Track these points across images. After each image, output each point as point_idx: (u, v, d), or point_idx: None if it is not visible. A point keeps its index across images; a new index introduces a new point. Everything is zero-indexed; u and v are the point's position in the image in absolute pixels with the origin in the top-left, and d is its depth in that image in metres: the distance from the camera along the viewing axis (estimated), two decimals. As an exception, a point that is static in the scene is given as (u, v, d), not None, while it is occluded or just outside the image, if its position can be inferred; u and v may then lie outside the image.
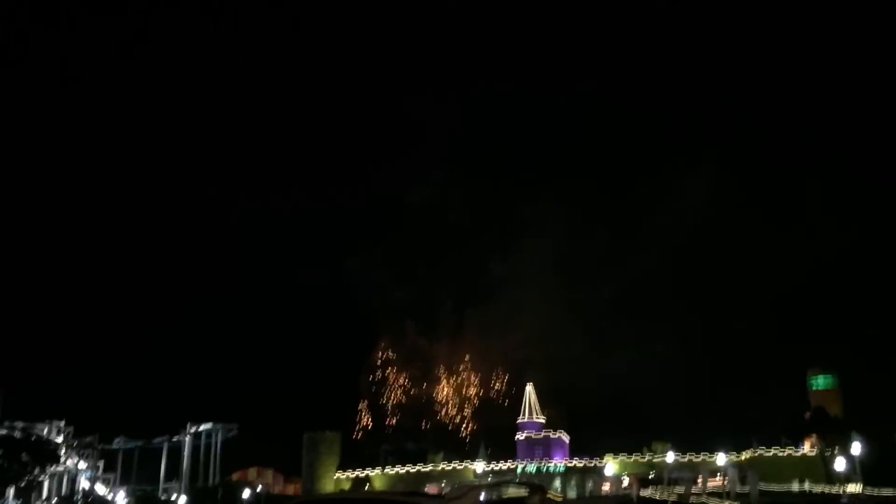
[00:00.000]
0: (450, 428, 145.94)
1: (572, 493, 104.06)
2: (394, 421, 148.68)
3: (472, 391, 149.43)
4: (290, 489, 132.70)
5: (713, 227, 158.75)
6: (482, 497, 13.25)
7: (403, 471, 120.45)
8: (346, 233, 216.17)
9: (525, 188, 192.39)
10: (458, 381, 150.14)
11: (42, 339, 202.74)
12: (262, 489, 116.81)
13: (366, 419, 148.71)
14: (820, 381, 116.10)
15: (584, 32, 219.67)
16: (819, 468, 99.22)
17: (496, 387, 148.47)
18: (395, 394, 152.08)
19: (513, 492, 17.31)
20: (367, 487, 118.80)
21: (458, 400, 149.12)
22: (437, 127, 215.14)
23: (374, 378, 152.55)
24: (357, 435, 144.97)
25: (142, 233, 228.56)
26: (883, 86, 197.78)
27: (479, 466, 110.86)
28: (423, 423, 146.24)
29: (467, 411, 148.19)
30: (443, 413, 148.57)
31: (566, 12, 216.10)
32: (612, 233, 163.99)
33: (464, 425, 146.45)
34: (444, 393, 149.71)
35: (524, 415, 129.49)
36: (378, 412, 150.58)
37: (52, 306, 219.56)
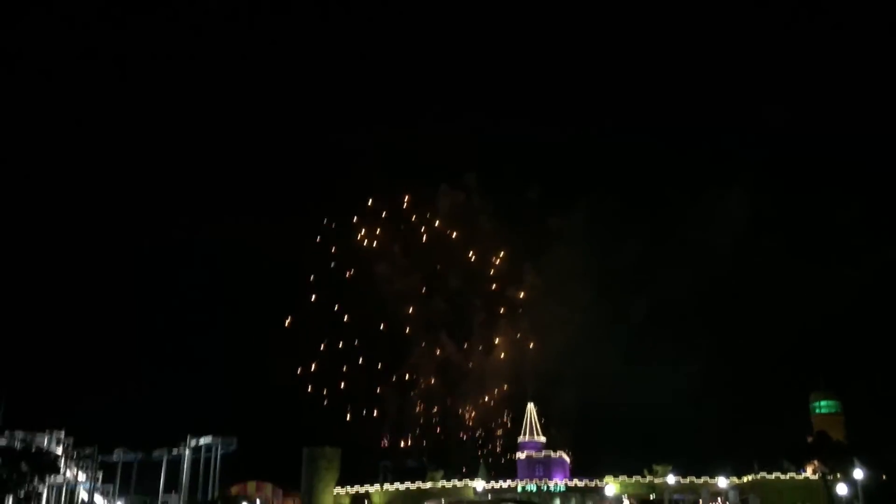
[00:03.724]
0: (463, 443, 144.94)
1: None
2: (413, 435, 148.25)
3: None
4: (289, 503, 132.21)
5: (739, 249, 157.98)
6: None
7: (403, 487, 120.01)
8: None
9: (557, 198, 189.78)
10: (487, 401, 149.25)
11: (43, 350, 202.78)
12: (260, 502, 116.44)
13: (384, 439, 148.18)
14: (823, 405, 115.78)
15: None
16: (821, 493, 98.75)
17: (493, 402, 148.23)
18: (420, 408, 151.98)
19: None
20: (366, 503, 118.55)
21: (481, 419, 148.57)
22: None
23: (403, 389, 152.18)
24: (384, 442, 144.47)
25: (142, 240, 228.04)
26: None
27: (479, 485, 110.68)
28: (423, 441, 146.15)
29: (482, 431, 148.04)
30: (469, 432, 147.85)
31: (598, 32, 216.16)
32: (643, 249, 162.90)
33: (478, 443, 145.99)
34: (471, 414, 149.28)
35: (525, 434, 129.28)
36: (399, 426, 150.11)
37: (54, 317, 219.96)
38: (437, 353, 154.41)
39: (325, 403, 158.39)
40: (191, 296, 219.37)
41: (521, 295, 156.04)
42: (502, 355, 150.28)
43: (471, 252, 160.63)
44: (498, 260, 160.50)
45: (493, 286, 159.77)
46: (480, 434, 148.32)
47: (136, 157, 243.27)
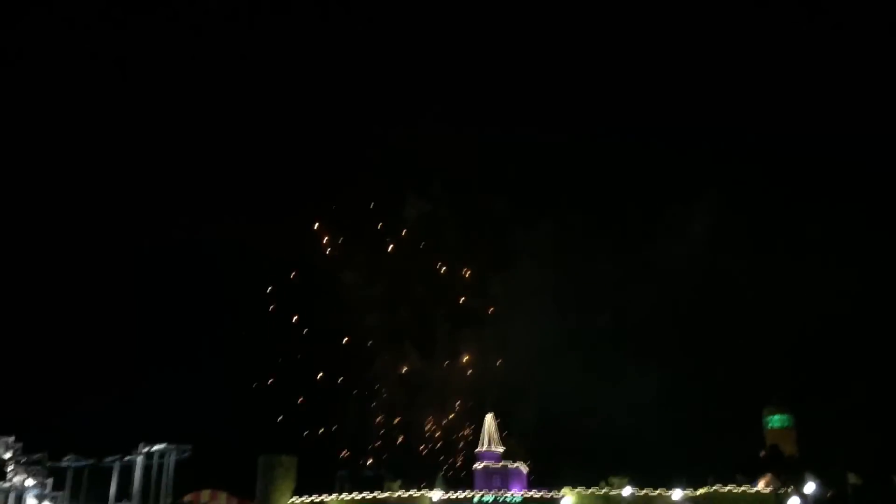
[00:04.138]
0: (422, 454, 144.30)
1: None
2: (372, 446, 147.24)
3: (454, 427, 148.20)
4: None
5: (702, 265, 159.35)
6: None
7: (360, 497, 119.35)
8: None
9: (523, 210, 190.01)
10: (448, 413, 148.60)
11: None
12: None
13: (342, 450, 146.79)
14: (776, 420, 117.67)
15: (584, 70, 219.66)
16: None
17: (453, 416, 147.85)
18: (380, 419, 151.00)
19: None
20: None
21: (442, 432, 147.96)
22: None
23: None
24: (343, 452, 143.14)
25: (103, 248, 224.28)
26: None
27: (436, 495, 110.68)
28: (383, 451, 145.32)
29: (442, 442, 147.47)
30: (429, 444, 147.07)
31: (565, 50, 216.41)
32: (609, 261, 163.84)
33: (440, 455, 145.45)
34: (430, 426, 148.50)
35: (483, 444, 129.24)
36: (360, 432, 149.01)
37: (5, 319, 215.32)
38: (400, 363, 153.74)
39: (282, 413, 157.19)
40: (152, 298, 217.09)
41: (487, 308, 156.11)
42: (466, 367, 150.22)
43: (437, 263, 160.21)
44: (464, 272, 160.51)
45: (459, 298, 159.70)
46: (440, 445, 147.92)
47: (134, 156, 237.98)
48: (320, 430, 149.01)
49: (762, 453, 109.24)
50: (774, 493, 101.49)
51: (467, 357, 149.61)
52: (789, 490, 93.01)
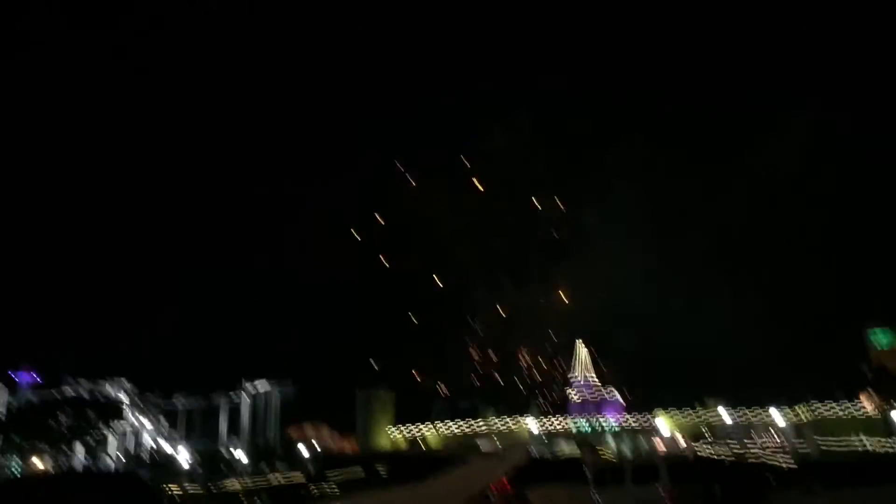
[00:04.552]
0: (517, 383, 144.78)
1: (626, 451, 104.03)
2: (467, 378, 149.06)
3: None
4: (346, 445, 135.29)
5: (803, 175, 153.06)
6: (535, 453, 13.30)
7: (457, 427, 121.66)
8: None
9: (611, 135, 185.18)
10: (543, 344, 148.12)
11: (101, 303, 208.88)
12: (318, 445, 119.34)
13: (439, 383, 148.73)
14: (879, 337, 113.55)
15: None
16: (879, 425, 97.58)
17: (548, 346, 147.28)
18: (476, 352, 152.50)
19: (566, 450, 17.28)
20: (421, 444, 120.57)
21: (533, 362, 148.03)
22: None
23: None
24: (440, 386, 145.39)
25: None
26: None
27: (532, 422, 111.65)
28: (478, 382, 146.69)
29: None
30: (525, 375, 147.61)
31: None
32: (703, 180, 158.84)
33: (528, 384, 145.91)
34: (525, 357, 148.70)
35: (575, 370, 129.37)
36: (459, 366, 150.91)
37: (111, 272, 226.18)
38: (494, 296, 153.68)
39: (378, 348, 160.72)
40: (243, 242, 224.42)
41: (579, 234, 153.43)
42: (560, 297, 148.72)
43: (527, 192, 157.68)
44: (554, 200, 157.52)
45: (552, 228, 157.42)
46: (536, 375, 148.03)
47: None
48: (417, 364, 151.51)
49: (866, 371, 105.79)
50: (881, 412, 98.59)
51: (562, 287, 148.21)
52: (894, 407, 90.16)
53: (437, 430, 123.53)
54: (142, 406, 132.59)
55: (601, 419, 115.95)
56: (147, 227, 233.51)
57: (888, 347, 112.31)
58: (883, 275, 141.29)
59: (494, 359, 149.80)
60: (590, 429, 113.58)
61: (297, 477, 76.47)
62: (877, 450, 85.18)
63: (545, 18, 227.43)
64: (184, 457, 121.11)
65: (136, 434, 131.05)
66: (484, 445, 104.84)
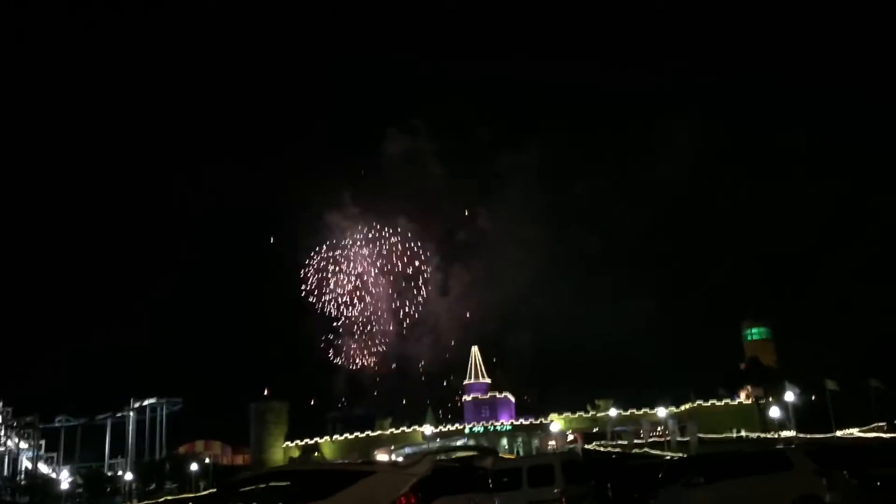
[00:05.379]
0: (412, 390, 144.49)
1: (519, 452, 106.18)
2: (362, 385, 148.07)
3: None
4: (240, 459, 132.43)
5: (695, 180, 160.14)
6: (437, 462, 13.57)
7: (353, 437, 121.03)
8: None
9: (506, 137, 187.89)
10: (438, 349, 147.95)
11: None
12: (210, 461, 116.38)
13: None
14: (754, 332, 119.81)
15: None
16: (755, 416, 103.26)
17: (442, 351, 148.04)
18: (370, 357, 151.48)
19: (463, 455, 17.65)
20: (315, 455, 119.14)
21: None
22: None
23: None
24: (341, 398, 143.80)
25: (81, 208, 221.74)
26: None
27: (428, 429, 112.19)
28: (373, 391, 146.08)
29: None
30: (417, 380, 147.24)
31: None
32: (595, 183, 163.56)
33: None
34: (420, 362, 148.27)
35: (470, 376, 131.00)
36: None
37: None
38: (389, 300, 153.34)
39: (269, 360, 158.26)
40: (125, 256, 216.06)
41: (475, 237, 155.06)
42: (456, 301, 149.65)
43: (422, 196, 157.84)
44: (450, 204, 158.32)
45: (449, 232, 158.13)
46: (430, 380, 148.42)
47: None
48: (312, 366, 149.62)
49: (742, 366, 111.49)
50: (755, 403, 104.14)
51: (458, 291, 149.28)
52: (769, 400, 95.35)
53: (332, 440, 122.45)
54: (18, 428, 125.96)
55: (494, 422, 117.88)
56: (26, 238, 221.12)
57: (759, 340, 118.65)
58: (758, 273, 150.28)
59: (391, 365, 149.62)
60: (483, 430, 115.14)
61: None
62: (750, 437, 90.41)
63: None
64: (65, 478, 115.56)
65: (14, 458, 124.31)
66: (383, 455, 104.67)
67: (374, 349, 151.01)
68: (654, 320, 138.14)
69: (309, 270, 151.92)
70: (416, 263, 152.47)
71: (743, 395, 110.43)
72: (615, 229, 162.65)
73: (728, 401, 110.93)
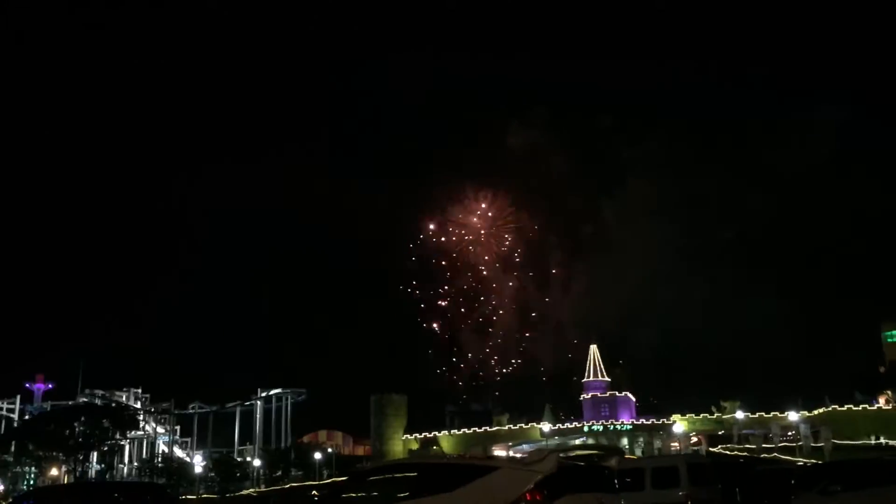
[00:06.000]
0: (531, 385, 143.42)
1: (639, 452, 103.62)
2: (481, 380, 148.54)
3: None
4: (360, 450, 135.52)
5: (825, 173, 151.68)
6: (561, 461, 13.31)
7: (470, 431, 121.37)
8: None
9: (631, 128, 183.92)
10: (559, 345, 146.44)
11: (118, 313, 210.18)
12: (332, 450, 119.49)
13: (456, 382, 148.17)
14: (895, 335, 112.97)
15: None
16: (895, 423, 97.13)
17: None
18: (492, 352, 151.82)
19: (586, 453, 17.25)
20: (434, 448, 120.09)
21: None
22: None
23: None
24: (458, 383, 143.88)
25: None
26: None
27: (546, 427, 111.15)
28: (494, 384, 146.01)
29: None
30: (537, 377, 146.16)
31: None
32: (726, 175, 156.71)
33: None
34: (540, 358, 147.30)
35: (589, 374, 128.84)
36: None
37: (124, 282, 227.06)
38: (514, 294, 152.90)
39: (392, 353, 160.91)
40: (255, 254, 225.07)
41: (601, 231, 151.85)
42: (579, 297, 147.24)
43: (546, 189, 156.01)
44: (573, 196, 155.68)
45: (571, 224, 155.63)
46: (550, 377, 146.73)
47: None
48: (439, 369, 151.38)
49: (882, 369, 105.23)
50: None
51: (581, 286, 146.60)
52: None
53: (450, 434, 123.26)
54: (155, 413, 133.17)
55: (614, 421, 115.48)
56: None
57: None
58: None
59: (511, 362, 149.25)
60: (602, 429, 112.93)
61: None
62: (890, 444, 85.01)
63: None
64: (198, 462, 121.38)
65: (151, 442, 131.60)
66: (500, 451, 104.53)
67: (493, 345, 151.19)
68: (784, 318, 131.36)
69: (431, 265, 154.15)
70: (539, 259, 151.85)
71: (882, 399, 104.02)
72: (745, 223, 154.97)
73: (866, 406, 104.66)
